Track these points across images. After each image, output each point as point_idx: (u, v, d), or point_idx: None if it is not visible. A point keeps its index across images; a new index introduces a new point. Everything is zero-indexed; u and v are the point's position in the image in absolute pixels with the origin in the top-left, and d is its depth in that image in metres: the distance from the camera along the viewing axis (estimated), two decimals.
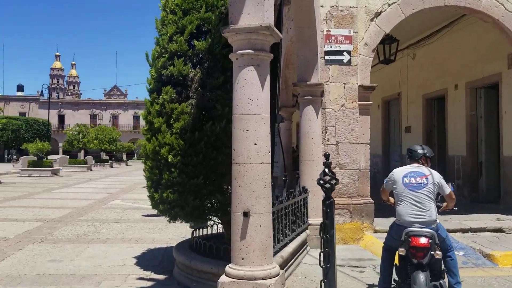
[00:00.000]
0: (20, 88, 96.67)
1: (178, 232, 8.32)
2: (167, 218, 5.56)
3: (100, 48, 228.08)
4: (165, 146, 5.20)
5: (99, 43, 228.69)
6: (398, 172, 4.36)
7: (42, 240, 7.35)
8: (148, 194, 5.62)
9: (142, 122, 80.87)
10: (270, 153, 4.35)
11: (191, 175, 5.14)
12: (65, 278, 5.28)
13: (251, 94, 4.16)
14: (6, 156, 55.00)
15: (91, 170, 35.56)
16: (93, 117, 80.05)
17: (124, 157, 60.28)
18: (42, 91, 45.96)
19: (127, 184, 21.20)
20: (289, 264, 5.46)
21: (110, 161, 44.44)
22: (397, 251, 4.16)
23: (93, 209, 11.49)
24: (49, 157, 31.69)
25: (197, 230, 6.04)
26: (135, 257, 6.32)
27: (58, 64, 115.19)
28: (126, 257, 6.29)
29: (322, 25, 7.65)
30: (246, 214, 4.08)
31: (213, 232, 6.20)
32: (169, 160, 5.16)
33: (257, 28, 4.10)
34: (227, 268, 4.15)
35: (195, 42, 5.43)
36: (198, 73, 5.35)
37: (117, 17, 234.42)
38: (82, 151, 60.66)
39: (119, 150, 50.27)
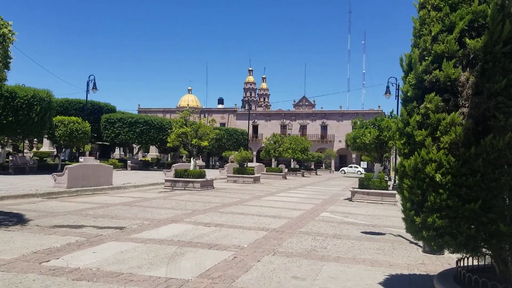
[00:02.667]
0: (220, 101, 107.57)
1: (412, 256, 7.51)
2: (434, 247, 4.76)
3: (289, 61, 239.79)
4: (431, 163, 4.48)
5: (288, 56, 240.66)
6: None
7: (275, 252, 7.32)
8: (403, 216, 4.98)
9: (330, 132, 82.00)
10: None
11: (466, 198, 4.32)
12: None
13: None
14: (210, 163, 61.10)
15: (285, 178, 36.89)
16: (283, 127, 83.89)
17: (312, 166, 61.41)
18: (243, 104, 49.14)
19: (326, 195, 21.09)
20: None
21: (302, 170, 45.64)
22: None
23: (307, 220, 11.40)
24: (248, 164, 33.91)
25: (462, 260, 5.14)
26: (380, 283, 5.72)
27: (250, 79, 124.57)
28: (370, 282, 5.74)
29: None
30: None
31: (479, 263, 5.21)
32: (436, 179, 4.43)
33: None
34: None
35: (467, 40, 4.60)
36: (470, 76, 4.52)
37: (305, 29, 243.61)
38: (273, 159, 64.09)
39: (309, 159, 51.33)
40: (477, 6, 4.59)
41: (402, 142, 4.97)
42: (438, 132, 4.54)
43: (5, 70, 8.86)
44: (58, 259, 6.28)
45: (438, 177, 4.43)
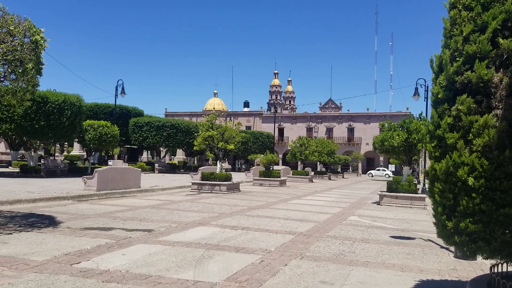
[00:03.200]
0: (246, 104, 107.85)
1: (443, 261, 7.34)
2: (467, 252, 4.64)
3: (314, 64, 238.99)
4: (463, 166, 4.37)
5: (313, 59, 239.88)
6: None
7: (302, 256, 7.27)
8: (435, 221, 4.87)
9: (357, 134, 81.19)
10: None
11: (500, 202, 4.20)
12: None
13: None
14: (236, 166, 61.31)
15: (312, 182, 36.67)
16: (309, 129, 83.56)
17: (339, 169, 60.88)
18: (268, 107, 49.27)
19: (354, 198, 20.86)
20: None
21: (328, 173, 45.30)
22: None
23: (334, 224, 11.29)
24: (274, 167, 33.88)
25: (496, 266, 4.99)
26: None
27: (276, 81, 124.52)
28: None
29: None
30: None
31: None
32: (469, 183, 4.31)
33: None
34: None
35: (500, 40, 4.48)
36: (504, 77, 4.39)
37: (331, 31, 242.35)
38: (299, 162, 63.86)
39: (336, 162, 50.93)
40: (511, 5, 4.46)
41: (433, 145, 4.86)
42: (471, 134, 4.42)
43: (38, 76, 9.11)
44: (88, 261, 6.40)
45: (470, 180, 4.31)
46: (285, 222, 11.23)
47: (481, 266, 7.07)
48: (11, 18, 8.19)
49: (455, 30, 4.81)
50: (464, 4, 4.80)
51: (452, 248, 8.38)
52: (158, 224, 10.12)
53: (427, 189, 5.10)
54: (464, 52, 4.60)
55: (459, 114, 4.53)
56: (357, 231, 10.33)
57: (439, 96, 4.84)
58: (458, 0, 4.87)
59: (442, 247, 8.62)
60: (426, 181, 28.17)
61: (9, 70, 8.40)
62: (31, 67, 8.27)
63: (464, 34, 4.65)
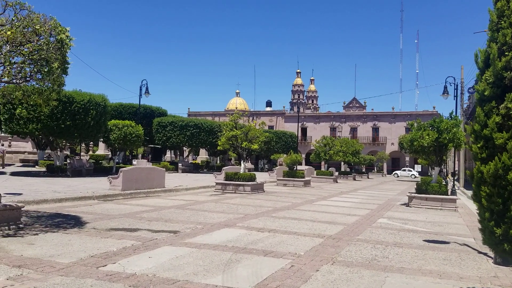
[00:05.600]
0: (268, 104, 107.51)
1: (483, 267, 6.94)
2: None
3: (338, 63, 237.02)
4: None
5: (336, 58, 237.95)
6: None
7: (333, 261, 6.98)
8: (480, 227, 4.56)
9: (382, 134, 79.97)
10: None
11: None
12: None
13: None
14: (259, 166, 61.11)
15: (337, 182, 36.20)
16: (332, 129, 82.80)
17: (364, 169, 60.08)
18: (291, 106, 49.03)
19: (381, 199, 20.39)
20: None
21: (353, 173, 44.69)
22: None
23: (364, 227, 10.94)
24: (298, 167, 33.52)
25: None
26: None
27: (298, 81, 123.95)
28: None
29: None
30: None
31: None
32: None
33: None
34: None
35: None
36: None
37: (354, 30, 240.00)
38: (322, 163, 63.27)
39: (361, 162, 50.21)
40: None
41: (479, 145, 4.53)
42: None
43: (63, 75, 9.05)
44: (114, 264, 6.26)
45: None
46: (313, 224, 10.95)
47: None
48: (37, 17, 8.13)
49: (502, 22, 4.47)
50: None
51: (491, 253, 7.98)
52: (183, 225, 9.97)
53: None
54: None
55: (509, 112, 4.21)
56: (388, 234, 9.97)
57: (485, 93, 4.51)
58: None
59: (480, 252, 8.21)
60: (456, 182, 27.41)
61: (35, 69, 8.35)
62: (56, 66, 8.19)
63: None
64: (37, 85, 8.87)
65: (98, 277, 5.57)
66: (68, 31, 8.51)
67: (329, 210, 14.51)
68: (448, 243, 9.18)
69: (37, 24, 7.95)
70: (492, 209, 4.32)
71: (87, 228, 9.13)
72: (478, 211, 4.59)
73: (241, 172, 21.31)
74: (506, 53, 4.33)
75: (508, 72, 4.25)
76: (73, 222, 9.94)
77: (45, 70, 8.21)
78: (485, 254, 8.02)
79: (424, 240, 9.32)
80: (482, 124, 4.48)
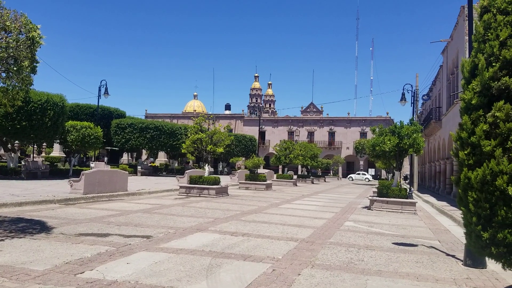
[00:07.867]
0: (227, 107, 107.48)
1: (454, 269, 7.23)
2: (504, 265, 4.49)
3: (296, 68, 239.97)
4: (502, 175, 4.23)
5: (294, 63, 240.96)
6: None
7: (313, 265, 7.05)
8: (466, 231, 4.72)
9: (337, 138, 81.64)
10: None
11: None
12: None
13: None
14: (218, 169, 60.83)
15: (296, 185, 36.60)
16: (290, 133, 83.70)
17: (319, 173, 61.10)
18: (250, 110, 49.17)
19: (343, 203, 20.80)
20: None
21: (311, 177, 45.33)
22: None
23: (333, 230, 11.12)
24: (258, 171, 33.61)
25: None
26: None
27: (256, 85, 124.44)
28: None
29: None
30: None
31: None
32: (509, 192, 4.17)
33: None
34: None
35: None
36: None
37: (311, 36, 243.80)
38: (280, 166, 63.79)
39: (319, 166, 51.00)
40: None
41: (465, 152, 4.70)
42: (510, 142, 4.29)
43: (32, 75, 8.67)
44: (92, 271, 6.04)
45: (510, 190, 4.17)
46: (284, 228, 11.00)
47: (493, 274, 6.96)
48: (7, 13, 7.75)
49: (489, 34, 4.68)
50: (499, 8, 4.67)
51: (459, 256, 8.31)
52: (155, 230, 9.76)
53: (458, 198, 4.93)
54: (501, 57, 4.47)
55: (497, 121, 4.40)
56: (357, 237, 10.17)
57: (472, 102, 4.69)
58: (492, 3, 4.75)
59: (448, 254, 8.53)
60: (410, 186, 28.31)
61: (2, 68, 7.95)
62: (27, 65, 7.84)
63: (501, 39, 4.52)
64: (2, 84, 8.46)
65: (78, 284, 5.36)
66: (39, 28, 8.17)
67: (296, 214, 14.63)
68: (416, 245, 9.46)
69: (8, 21, 7.57)
70: (479, 214, 4.47)
71: (55, 234, 8.77)
72: (463, 216, 4.75)
73: (205, 176, 21.13)
74: (493, 64, 4.51)
75: (496, 82, 4.43)
76: (39, 227, 9.52)
77: (14, 69, 7.83)
78: (453, 256, 8.35)
79: (393, 243, 9.57)
80: (469, 132, 4.65)
